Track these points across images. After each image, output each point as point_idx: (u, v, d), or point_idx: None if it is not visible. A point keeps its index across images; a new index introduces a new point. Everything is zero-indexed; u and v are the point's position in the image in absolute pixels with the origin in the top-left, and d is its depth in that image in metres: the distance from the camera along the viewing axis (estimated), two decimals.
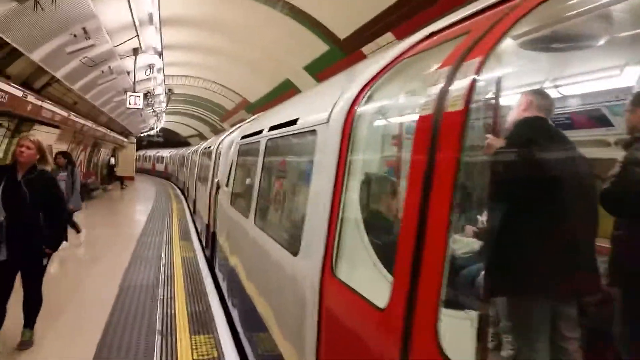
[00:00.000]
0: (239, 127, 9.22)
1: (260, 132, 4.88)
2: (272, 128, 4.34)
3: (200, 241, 11.21)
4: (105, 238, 11.28)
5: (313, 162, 2.63)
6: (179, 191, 26.72)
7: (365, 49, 9.33)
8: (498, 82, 1.84)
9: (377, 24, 8.33)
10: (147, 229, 12.64)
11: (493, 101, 1.92)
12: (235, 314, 5.14)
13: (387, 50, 2.63)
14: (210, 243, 8.67)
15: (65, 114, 11.83)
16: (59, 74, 9.39)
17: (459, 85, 1.50)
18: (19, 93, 8.39)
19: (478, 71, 1.46)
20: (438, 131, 1.51)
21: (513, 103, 2.14)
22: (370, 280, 2.03)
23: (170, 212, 16.43)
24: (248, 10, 10.54)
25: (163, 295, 6.81)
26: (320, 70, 10.52)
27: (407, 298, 1.52)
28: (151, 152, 48.77)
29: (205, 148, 13.55)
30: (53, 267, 8.08)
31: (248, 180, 5.59)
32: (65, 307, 6.03)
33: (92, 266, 8.28)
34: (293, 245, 2.73)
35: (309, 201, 2.61)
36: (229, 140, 8.48)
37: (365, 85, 2.38)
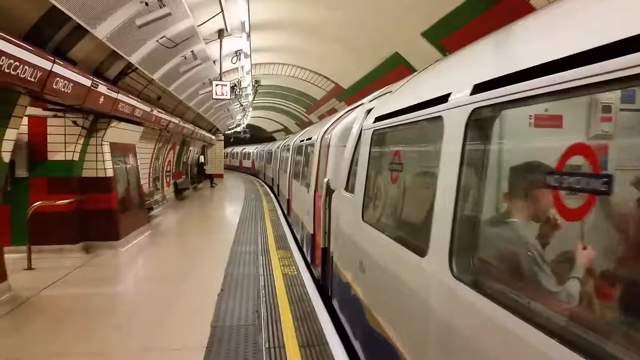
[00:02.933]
0: (355, 108, 6.90)
1: (437, 100, 2.76)
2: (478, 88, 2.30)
3: (301, 250, 9.77)
4: (197, 248, 9.99)
5: None
6: (267, 188, 26.16)
7: None
8: None
9: None
10: (239, 234, 11.44)
11: None
12: None
13: None
14: (322, 263, 6.80)
15: (147, 108, 10.52)
16: (133, 59, 7.87)
17: None
18: (86, 82, 6.94)
19: None
20: None
21: None
22: None
23: (262, 214, 15.27)
24: None
25: (268, 342, 5.00)
26: (448, 33, 8.22)
27: None
28: (237, 149, 49.23)
29: (301, 141, 11.73)
30: (131, 295, 6.67)
31: (406, 186, 3.68)
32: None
33: (180, 292, 6.68)
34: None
35: None
36: (344, 128, 6.61)
37: None
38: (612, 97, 1.97)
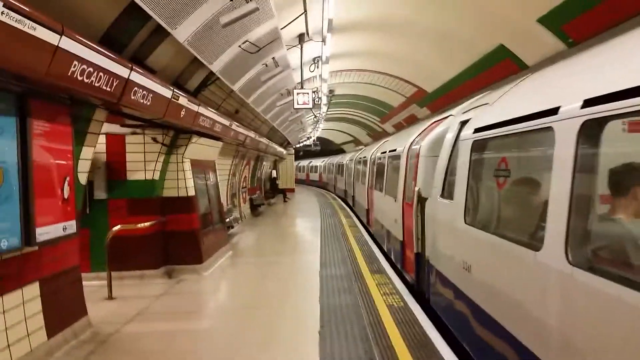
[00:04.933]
0: (441, 120, 7.46)
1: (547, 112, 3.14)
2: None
3: (394, 266, 9.26)
4: (283, 272, 9.11)
5: None
6: (340, 201, 26.54)
7: None
8: None
9: None
10: (324, 255, 10.52)
11: None
12: None
13: None
14: (416, 268, 7.08)
15: (226, 122, 9.85)
16: (215, 67, 7.13)
17: None
18: (167, 93, 6.24)
19: None
20: None
21: None
22: None
23: (343, 230, 14.39)
24: None
25: None
26: (573, 16, 6.82)
27: None
28: (304, 162, 49.75)
29: (382, 153, 12.09)
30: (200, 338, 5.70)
31: (515, 190, 4.12)
32: None
33: (274, 329, 5.70)
34: None
35: None
36: (434, 139, 6.86)
37: None
38: None
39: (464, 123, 5.35)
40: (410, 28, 10.96)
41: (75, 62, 4.12)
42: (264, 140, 17.33)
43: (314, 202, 25.83)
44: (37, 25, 3.52)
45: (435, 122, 7.90)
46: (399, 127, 22.60)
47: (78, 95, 4.84)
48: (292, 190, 32.52)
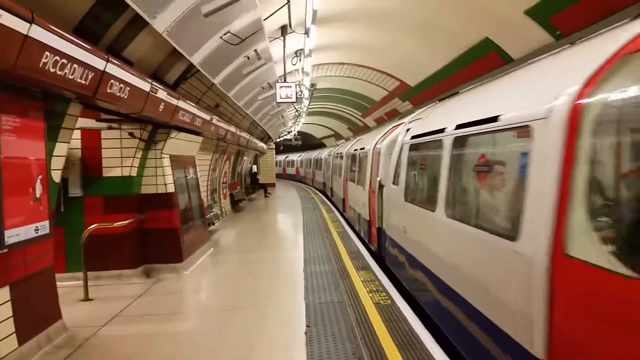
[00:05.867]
0: (397, 126, 9.51)
1: (441, 130, 5.54)
2: None
3: (364, 243, 10.96)
4: (266, 269, 9.02)
5: None
6: (319, 193, 27.17)
7: None
8: None
9: None
10: (308, 251, 10.35)
11: None
12: None
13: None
14: (378, 239, 9.26)
15: (206, 117, 9.57)
16: (195, 59, 6.88)
17: None
18: (145, 86, 5.97)
19: None
20: None
21: None
22: None
23: (326, 224, 14.43)
24: None
25: None
26: (562, 7, 6.76)
27: None
28: (280, 157, 50.06)
29: (355, 150, 13.93)
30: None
31: (429, 178, 6.11)
32: None
33: (260, 329, 5.52)
34: None
35: None
36: (390, 141, 9.06)
37: None
38: None
39: (408, 130, 7.40)
40: (394, 20, 10.81)
41: (47, 53, 3.85)
42: (245, 134, 17.04)
43: (295, 196, 25.65)
44: (2, 11, 3.25)
45: (394, 126, 9.90)
46: (380, 122, 22.52)
47: (50, 88, 4.57)
48: (273, 185, 32.24)
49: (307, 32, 9.60)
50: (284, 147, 42.49)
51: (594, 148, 2.66)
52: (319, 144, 46.95)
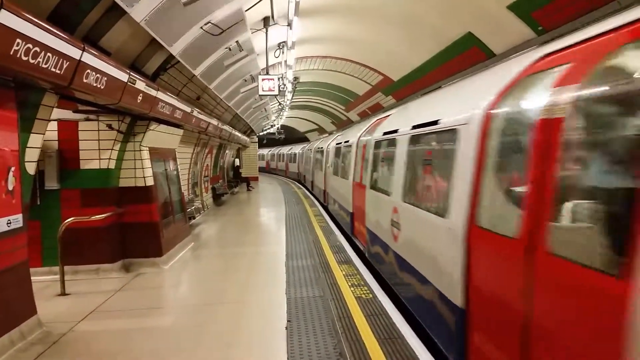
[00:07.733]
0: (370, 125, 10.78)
1: (395, 131, 7.23)
2: None
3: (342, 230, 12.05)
4: (248, 263, 8.96)
5: None
6: (305, 189, 26.69)
7: None
8: None
9: None
10: (290, 246, 10.37)
11: None
12: None
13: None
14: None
15: (187, 109, 9.43)
16: (174, 49, 6.74)
17: None
18: (122, 76, 5.83)
19: None
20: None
21: None
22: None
23: (309, 218, 14.40)
24: None
25: None
26: (545, 2, 6.79)
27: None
28: (264, 151, 50.28)
29: (337, 144, 14.77)
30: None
31: (386, 168, 7.81)
32: None
33: (240, 324, 5.46)
34: None
35: None
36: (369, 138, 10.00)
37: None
38: None
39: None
40: (378, 13, 10.75)
41: (19, 40, 3.72)
42: (227, 127, 16.88)
43: (278, 190, 25.55)
44: None
45: (372, 124, 10.50)
46: (364, 116, 22.50)
47: (23, 77, 4.42)
48: (256, 179, 32.07)
49: (289, 24, 9.50)
50: (267, 141, 42.30)
51: (498, 146, 3.60)
52: (302, 138, 46.84)
